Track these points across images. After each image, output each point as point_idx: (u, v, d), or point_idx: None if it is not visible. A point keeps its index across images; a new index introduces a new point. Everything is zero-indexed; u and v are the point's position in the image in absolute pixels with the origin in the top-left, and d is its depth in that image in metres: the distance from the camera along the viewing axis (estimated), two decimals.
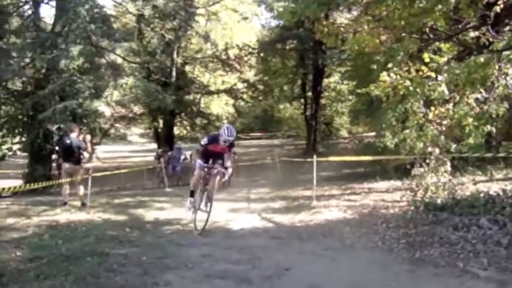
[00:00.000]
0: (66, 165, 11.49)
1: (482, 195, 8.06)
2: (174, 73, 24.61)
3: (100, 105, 20.46)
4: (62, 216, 9.95)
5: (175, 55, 24.79)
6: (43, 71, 17.31)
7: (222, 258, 6.41)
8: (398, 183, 11.55)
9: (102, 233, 8.12)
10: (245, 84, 28.40)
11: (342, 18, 22.95)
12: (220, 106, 33.29)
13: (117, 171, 16.50)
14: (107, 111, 23.44)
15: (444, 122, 9.68)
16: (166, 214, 10.63)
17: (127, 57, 24.43)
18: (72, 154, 11.32)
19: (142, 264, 6.06)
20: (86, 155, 12.12)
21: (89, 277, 5.36)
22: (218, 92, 28.69)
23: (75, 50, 17.80)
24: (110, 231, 8.34)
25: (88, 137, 12.15)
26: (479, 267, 4.90)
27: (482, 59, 8.96)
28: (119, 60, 23.32)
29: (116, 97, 22.71)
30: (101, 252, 6.56)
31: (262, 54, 27.95)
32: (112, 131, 28.60)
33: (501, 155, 9.49)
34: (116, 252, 6.68)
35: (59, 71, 17.44)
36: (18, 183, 14.95)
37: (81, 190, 11.41)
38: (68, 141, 11.45)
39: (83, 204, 11.24)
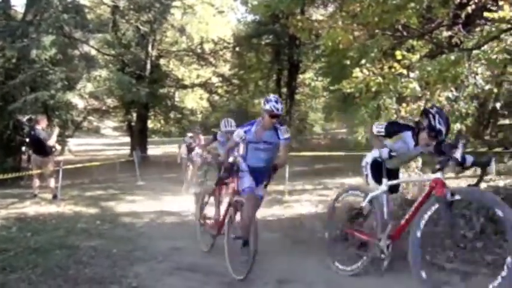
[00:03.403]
0: (34, 157, 11.33)
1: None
2: (148, 66, 24.31)
3: (73, 97, 20.11)
4: (31, 208, 9.83)
5: (150, 48, 24.50)
6: (13, 60, 16.91)
7: (192, 251, 6.41)
8: None
9: (72, 225, 8.07)
10: (220, 79, 28.26)
11: (317, 14, 23.05)
12: (194, 100, 33.04)
13: (89, 164, 16.33)
14: (80, 103, 23.06)
15: (416, 119, 9.80)
16: (138, 207, 10.60)
17: (101, 49, 24.06)
18: (39, 146, 11.15)
19: (112, 257, 6.03)
20: (57, 147, 11.99)
21: (57, 269, 5.31)
22: (193, 86, 28.45)
23: (47, 40, 17.42)
24: (80, 224, 8.29)
25: (56, 129, 11.97)
26: (446, 260, 5.00)
27: (453, 57, 9.09)
28: (93, 52, 22.99)
29: (90, 89, 22.32)
30: (70, 245, 6.51)
31: (237, 49, 27.86)
32: (85, 123, 28.15)
33: (468, 150, 9.63)
34: (86, 244, 6.64)
35: (30, 61, 17.06)
36: None
37: (52, 182, 11.28)
38: (32, 133, 11.30)
39: (54, 197, 11.12)
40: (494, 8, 7.81)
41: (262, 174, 5.83)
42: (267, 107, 5.60)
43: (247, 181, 5.69)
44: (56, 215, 9.18)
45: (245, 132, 5.81)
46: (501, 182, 8.87)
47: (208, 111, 33.51)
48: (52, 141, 11.18)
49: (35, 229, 7.58)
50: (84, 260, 5.73)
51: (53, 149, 11.65)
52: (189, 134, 14.21)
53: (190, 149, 13.35)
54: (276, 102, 5.65)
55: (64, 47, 18.83)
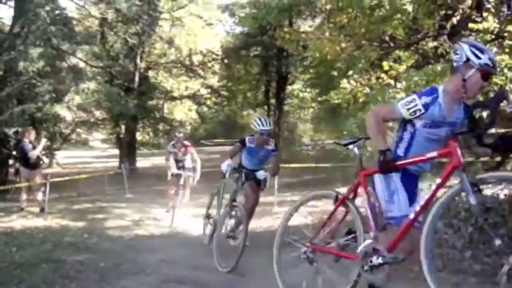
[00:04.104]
0: (22, 170, 11.24)
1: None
2: (137, 78, 24.24)
3: (61, 110, 20.01)
4: (17, 222, 9.73)
5: (138, 60, 24.45)
6: (0, 72, 16.83)
7: (181, 263, 6.37)
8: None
9: (59, 239, 7.99)
10: (209, 90, 28.25)
11: (305, 26, 23.18)
12: (183, 112, 33.02)
13: (77, 177, 16.20)
14: (68, 115, 22.89)
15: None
16: (126, 220, 10.54)
17: (89, 61, 24.03)
18: (26, 159, 11.05)
19: (99, 271, 5.97)
20: (45, 160, 11.89)
21: (43, 284, 5.25)
22: (181, 97, 28.43)
23: (34, 52, 17.40)
24: (67, 237, 8.22)
25: (42, 141, 11.88)
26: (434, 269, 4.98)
27: (439, 68, 9.18)
28: (81, 64, 22.94)
29: (78, 101, 22.23)
30: (56, 259, 6.44)
31: (226, 61, 27.89)
32: (73, 136, 27.98)
33: None
34: (73, 258, 6.57)
35: (17, 73, 16.97)
36: None
37: (39, 196, 11.18)
38: (20, 146, 11.23)
39: (42, 210, 11.02)
40: (478, 19, 7.90)
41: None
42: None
43: None
44: (42, 228, 9.09)
45: None
46: (489, 191, 8.88)
47: (197, 122, 33.50)
48: (34, 152, 11.01)
49: (21, 243, 7.50)
50: (70, 275, 5.67)
51: (41, 162, 11.56)
52: (172, 142, 11.04)
53: (178, 161, 10.66)
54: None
55: (52, 59, 18.80)
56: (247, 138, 6.88)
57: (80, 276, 5.64)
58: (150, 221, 10.23)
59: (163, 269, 6.07)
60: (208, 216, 7.87)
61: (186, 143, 10.81)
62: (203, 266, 6.14)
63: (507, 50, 7.80)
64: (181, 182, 10.36)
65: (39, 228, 9.06)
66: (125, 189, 16.88)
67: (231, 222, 6.58)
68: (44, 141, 11.59)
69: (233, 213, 6.59)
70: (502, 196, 6.90)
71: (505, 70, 8.65)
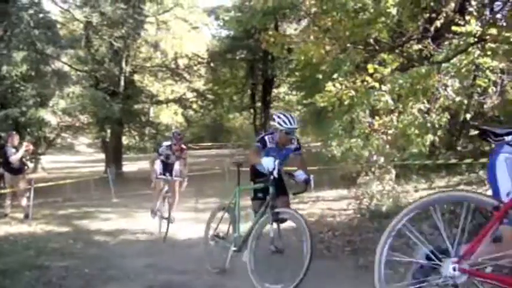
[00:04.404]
0: (6, 175, 11.11)
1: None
2: (122, 82, 24.15)
3: (45, 114, 19.85)
4: (1, 229, 9.61)
5: (123, 64, 24.36)
6: None
7: (167, 268, 6.32)
8: (345, 191, 11.71)
9: (43, 245, 7.90)
10: (195, 94, 28.29)
11: (291, 29, 23.29)
12: (169, 116, 32.98)
13: (62, 182, 16.06)
14: (53, 120, 22.70)
15: (389, 132, 9.95)
16: (111, 225, 10.45)
17: (74, 65, 23.89)
18: (9, 164, 10.93)
19: (84, 277, 5.90)
20: (29, 165, 11.75)
21: None
22: (167, 101, 28.44)
23: (18, 56, 17.23)
24: (51, 243, 8.13)
25: (23, 145, 11.68)
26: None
27: (423, 70, 9.25)
28: (66, 68, 22.79)
29: (62, 106, 22.06)
30: (40, 266, 6.36)
31: (212, 64, 27.95)
32: (58, 140, 27.79)
33: (440, 161, 9.79)
34: (57, 265, 6.49)
35: (0, 77, 16.83)
36: None
37: (24, 201, 11.05)
38: (3, 150, 11.11)
39: (26, 216, 10.87)
40: (461, 23, 7.97)
41: None
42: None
43: None
44: (27, 235, 8.99)
45: None
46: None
47: (183, 126, 33.40)
48: (15, 157, 10.86)
49: (4, 250, 7.41)
50: (54, 281, 5.60)
51: (25, 167, 11.44)
52: (165, 143, 9.50)
53: (167, 165, 9.48)
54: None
55: (36, 63, 18.65)
56: (266, 138, 5.80)
57: (64, 283, 5.57)
58: (136, 226, 10.15)
59: (149, 274, 6.01)
60: (218, 237, 6.32)
61: (183, 146, 9.48)
62: (190, 270, 6.10)
63: (489, 53, 7.89)
64: (166, 189, 9.02)
65: (23, 235, 8.95)
66: (111, 193, 16.76)
67: (272, 232, 5.24)
68: (24, 146, 11.33)
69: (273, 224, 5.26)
70: None
71: (488, 72, 8.76)
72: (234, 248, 5.77)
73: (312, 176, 5.91)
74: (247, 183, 6.28)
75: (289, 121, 5.59)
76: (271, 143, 5.78)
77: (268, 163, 5.33)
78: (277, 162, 5.33)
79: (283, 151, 5.91)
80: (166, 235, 8.41)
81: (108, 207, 13.79)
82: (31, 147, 11.74)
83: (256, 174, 6.08)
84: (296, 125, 5.73)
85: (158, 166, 9.34)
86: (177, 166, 9.66)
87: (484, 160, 9.61)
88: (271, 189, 5.34)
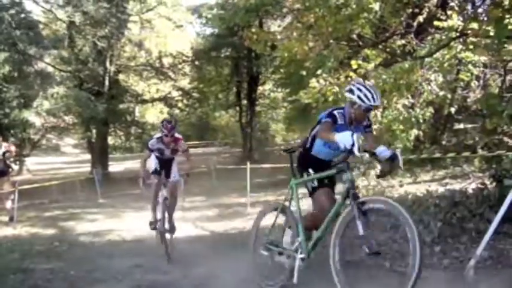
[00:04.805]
0: None
1: (410, 196, 8.40)
2: (107, 82, 23.97)
3: (29, 115, 19.68)
4: None
5: (108, 63, 24.17)
6: None
7: (154, 268, 6.30)
8: None
9: (28, 248, 7.84)
10: (180, 93, 28.18)
11: (275, 26, 23.27)
12: (155, 115, 32.81)
13: (48, 183, 15.93)
14: (37, 121, 22.51)
15: (374, 127, 9.98)
16: (98, 226, 10.40)
17: (57, 66, 23.68)
18: None
19: (69, 279, 5.86)
20: (13, 167, 11.62)
21: None
22: (153, 100, 28.31)
23: (0, 57, 17.06)
24: (36, 246, 8.07)
25: (2, 146, 11.49)
26: (405, 266, 5.04)
27: (407, 65, 9.32)
28: (49, 69, 22.60)
29: (47, 107, 21.86)
30: (25, 269, 6.30)
31: (196, 63, 27.84)
32: (43, 142, 27.58)
33: (425, 156, 9.86)
34: (42, 267, 6.44)
35: None
36: None
37: (9, 204, 10.93)
38: None
39: (11, 219, 10.76)
40: (444, 17, 8.04)
41: None
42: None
43: None
44: (11, 237, 8.93)
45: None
46: (457, 186, 9.04)
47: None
48: None
49: None
50: (39, 284, 5.56)
51: (9, 169, 11.32)
52: (156, 135, 7.44)
53: (164, 162, 7.45)
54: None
55: (18, 64, 18.48)
56: (336, 113, 4.66)
57: (49, 286, 5.53)
58: (123, 226, 10.11)
59: (136, 275, 5.99)
60: (272, 244, 5.18)
61: (178, 135, 7.35)
62: (176, 270, 6.08)
63: (471, 47, 7.96)
64: (165, 194, 7.28)
65: (8, 238, 8.89)
66: (97, 194, 16.67)
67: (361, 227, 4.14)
68: (3, 147, 11.09)
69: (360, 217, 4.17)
70: (470, 191, 7.01)
71: (470, 66, 8.84)
72: (302, 256, 4.68)
73: (398, 151, 4.69)
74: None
75: (372, 97, 4.48)
76: (341, 120, 4.65)
77: (345, 138, 4.15)
78: (355, 136, 4.15)
79: (353, 130, 4.55)
80: (169, 251, 6.88)
81: (94, 208, 13.73)
82: (12, 148, 11.56)
83: (313, 161, 5.01)
84: (380, 101, 4.76)
85: (153, 161, 7.46)
86: (175, 167, 7.62)
87: (467, 154, 9.69)
88: (348, 175, 4.39)
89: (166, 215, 7.21)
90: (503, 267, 4.02)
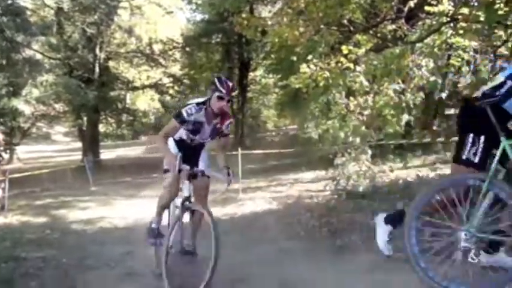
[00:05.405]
0: None
1: (400, 181, 8.46)
2: (97, 69, 23.81)
3: (19, 104, 19.55)
4: None
5: (97, 50, 23.99)
6: None
7: (145, 255, 6.29)
8: (322, 173, 11.78)
9: (19, 236, 7.81)
10: (171, 79, 28.07)
11: (266, 11, 23.15)
12: (146, 102, 32.68)
13: (38, 172, 15.88)
14: (27, 109, 22.36)
15: (365, 112, 10.04)
16: (90, 213, 10.39)
17: (46, 53, 23.47)
18: None
19: (62, 266, 5.84)
20: (4, 155, 11.58)
21: (1, 285, 5.10)
22: (143, 87, 28.19)
23: None
24: (28, 234, 8.03)
25: None
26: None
27: (397, 51, 9.32)
28: (38, 56, 22.40)
29: (36, 94, 21.71)
30: (16, 257, 6.27)
31: (187, 49, 27.70)
32: (34, 130, 27.43)
33: (414, 141, 9.90)
34: (34, 255, 6.40)
35: None
36: None
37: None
38: None
39: (2, 208, 10.75)
40: (434, 2, 8.01)
41: None
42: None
43: None
44: (2, 226, 8.91)
45: None
46: (447, 170, 9.09)
47: (160, 112, 33.13)
48: None
49: None
50: (31, 272, 5.52)
51: (0, 158, 11.28)
52: (196, 100, 4.74)
53: (190, 149, 4.89)
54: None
55: (6, 52, 18.31)
56: None
57: (41, 274, 5.50)
58: (115, 213, 10.10)
59: (128, 262, 5.97)
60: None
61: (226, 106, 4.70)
62: None
63: (461, 32, 7.95)
64: (187, 194, 4.60)
65: None
66: (89, 182, 16.63)
67: None
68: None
69: None
70: None
71: (460, 52, 8.85)
72: None
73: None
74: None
75: None
76: None
77: None
78: None
79: None
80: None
81: (86, 195, 13.70)
82: (0, 136, 11.53)
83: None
84: None
85: (172, 146, 4.86)
86: (204, 156, 5.12)
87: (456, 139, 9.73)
88: None
89: (187, 230, 4.71)
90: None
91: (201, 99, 4.69)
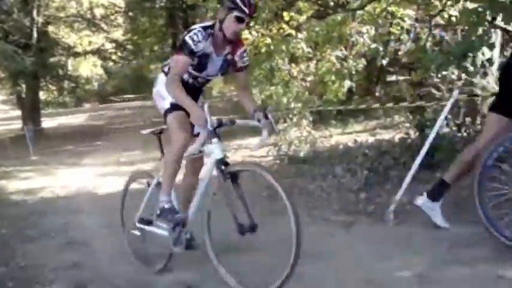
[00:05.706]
0: None
1: (340, 146, 8.71)
2: (35, 34, 22.87)
3: None
4: None
5: (35, 14, 22.99)
6: None
7: (87, 224, 6.28)
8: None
9: None
10: (113, 45, 27.44)
11: None
12: (88, 68, 31.87)
13: None
14: None
15: (308, 79, 10.19)
16: (30, 183, 10.18)
17: None
18: None
19: (1, 237, 5.77)
20: None
21: None
22: (85, 53, 27.44)
23: None
24: None
25: None
26: (332, 213, 5.30)
27: (339, 18, 9.44)
28: None
29: None
30: None
31: (130, 13, 27.04)
32: None
33: (351, 107, 10.14)
34: None
35: None
36: None
37: None
38: None
39: None
40: None
41: None
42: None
43: None
44: None
45: None
46: (386, 136, 9.40)
47: (103, 79, 32.46)
48: None
49: None
50: None
51: None
52: (203, 23, 3.64)
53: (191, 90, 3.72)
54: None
55: None
56: None
57: None
58: (56, 183, 9.94)
59: (69, 232, 5.95)
60: None
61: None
62: (110, 225, 6.06)
63: (398, 1, 8.13)
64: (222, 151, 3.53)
65: None
66: (30, 151, 16.20)
67: None
68: None
69: None
70: (396, 140, 7.32)
71: (399, 20, 9.06)
72: None
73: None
74: None
75: None
76: None
77: None
78: None
79: None
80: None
81: (26, 165, 13.39)
82: None
83: None
84: None
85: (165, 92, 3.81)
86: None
87: (391, 104, 10.07)
88: None
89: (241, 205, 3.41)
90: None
91: (208, 23, 3.60)
